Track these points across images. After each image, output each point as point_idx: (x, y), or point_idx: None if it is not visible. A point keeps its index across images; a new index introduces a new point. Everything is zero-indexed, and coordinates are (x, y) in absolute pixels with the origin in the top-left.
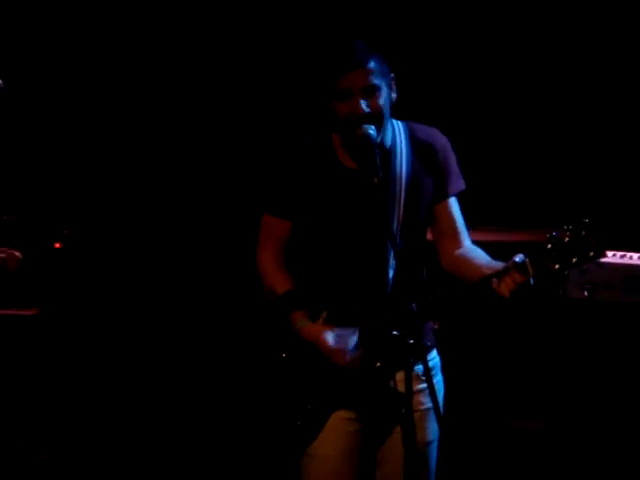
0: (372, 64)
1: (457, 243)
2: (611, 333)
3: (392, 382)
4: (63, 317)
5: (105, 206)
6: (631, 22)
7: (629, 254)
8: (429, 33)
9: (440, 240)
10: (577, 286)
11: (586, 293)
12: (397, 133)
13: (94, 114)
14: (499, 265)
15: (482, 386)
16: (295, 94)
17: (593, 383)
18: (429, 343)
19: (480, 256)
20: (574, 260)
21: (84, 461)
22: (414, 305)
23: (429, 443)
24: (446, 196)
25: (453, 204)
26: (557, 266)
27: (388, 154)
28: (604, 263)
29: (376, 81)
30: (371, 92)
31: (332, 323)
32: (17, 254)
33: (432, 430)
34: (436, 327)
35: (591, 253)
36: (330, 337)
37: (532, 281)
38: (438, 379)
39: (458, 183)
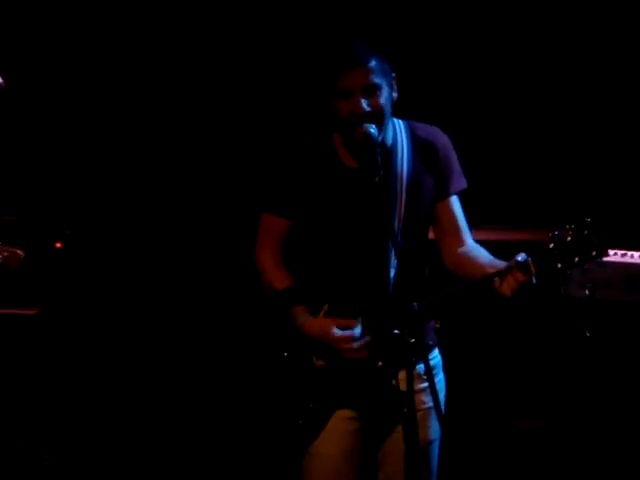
0: (373, 63)
1: (459, 241)
2: (612, 332)
3: (394, 381)
4: (64, 317)
5: (106, 206)
6: (631, 22)
7: (630, 253)
8: (430, 32)
9: (442, 239)
10: (578, 285)
11: (587, 292)
12: (398, 132)
13: (95, 114)
14: (501, 264)
15: (483, 385)
16: (296, 93)
17: (594, 382)
18: (431, 342)
19: (482, 255)
20: (576, 259)
21: (85, 461)
22: (415, 304)
23: (431, 442)
24: (447, 195)
25: (454, 202)
26: (560, 265)
27: (389, 153)
28: (605, 262)
29: (377, 80)
30: (372, 91)
31: (333, 315)
32: (19, 252)
33: (434, 429)
34: (438, 326)
35: (593, 252)
36: (334, 327)
37: (534, 280)
38: (440, 378)
39: (459, 182)
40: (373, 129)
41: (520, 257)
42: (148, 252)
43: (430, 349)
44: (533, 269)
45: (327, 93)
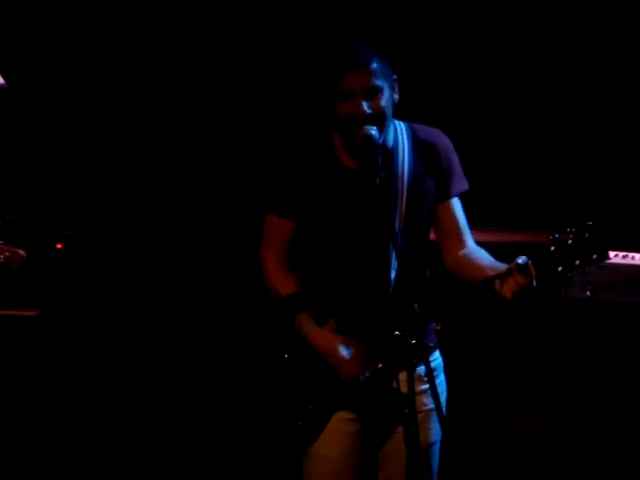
0: (374, 65)
1: (460, 243)
2: (613, 333)
3: (395, 383)
4: (65, 318)
5: (107, 207)
6: (631, 22)
7: (631, 254)
8: (431, 34)
9: (443, 240)
10: (579, 286)
11: (588, 293)
12: (399, 134)
13: (96, 115)
14: (502, 266)
15: (484, 386)
16: (297, 94)
17: (594, 383)
18: (432, 344)
19: (483, 257)
20: (577, 262)
21: (85, 461)
22: (416, 306)
23: (432, 444)
24: (449, 196)
25: (456, 204)
26: (560, 268)
27: (390, 155)
28: (606, 264)
29: (378, 82)
30: (373, 93)
31: (342, 332)
32: (21, 252)
33: (434, 431)
34: (439, 328)
35: (594, 256)
36: (344, 349)
37: (535, 283)
38: (441, 380)
39: (461, 183)
40: (374, 131)
41: (521, 260)
42: (149, 253)
43: (431, 351)
44: (534, 272)
45: (328, 94)
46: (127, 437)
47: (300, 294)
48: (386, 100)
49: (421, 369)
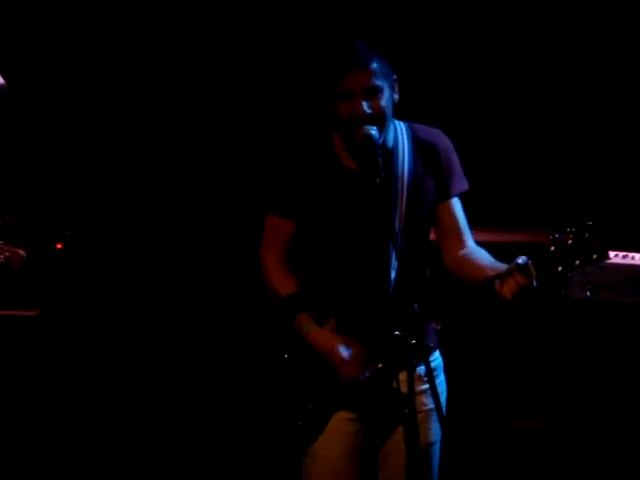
0: (374, 65)
1: (460, 243)
2: (613, 333)
3: (395, 382)
4: (65, 318)
5: (107, 207)
6: (631, 22)
7: (631, 254)
8: (431, 34)
9: (443, 240)
10: (579, 286)
11: (588, 293)
12: (399, 134)
13: (96, 115)
14: (502, 267)
15: (484, 386)
16: (297, 94)
17: (594, 383)
18: (432, 344)
19: (484, 257)
20: (577, 262)
21: (85, 461)
22: (416, 306)
23: (432, 444)
24: (449, 196)
25: (456, 204)
26: (560, 268)
27: (390, 155)
28: (606, 264)
29: (378, 82)
30: (373, 93)
31: (342, 332)
32: (21, 252)
33: (434, 431)
34: (439, 328)
35: (594, 256)
36: (344, 349)
37: (535, 283)
38: (441, 380)
39: (461, 183)
40: (374, 131)
41: (521, 260)
42: (150, 253)
43: (431, 351)
44: (534, 272)
45: (328, 94)
46: (127, 437)
47: (300, 294)
48: (386, 100)
49: (421, 369)
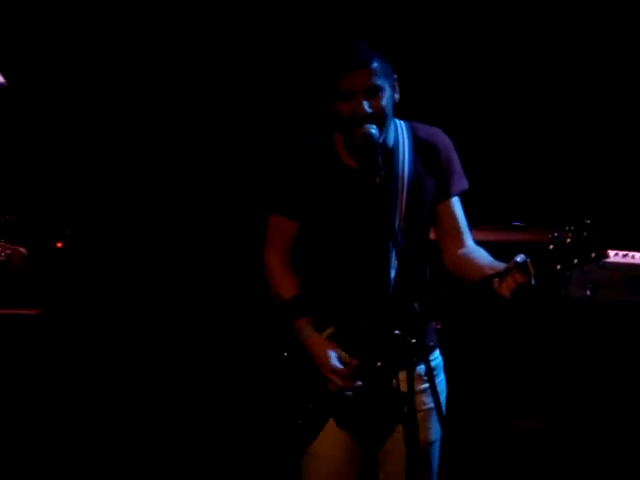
0: (375, 64)
1: (460, 243)
2: (613, 333)
3: (394, 382)
4: (65, 317)
5: (107, 206)
6: (631, 22)
7: (631, 253)
8: (431, 34)
9: (443, 240)
10: (579, 286)
11: (588, 293)
12: (399, 133)
13: (97, 114)
14: (501, 265)
15: (483, 386)
16: (298, 94)
17: (594, 383)
18: (432, 343)
19: (482, 256)
20: (576, 261)
21: (85, 461)
22: (416, 305)
23: (431, 443)
24: (448, 195)
25: (456, 204)
26: (559, 267)
27: (390, 154)
28: (606, 263)
29: (379, 82)
30: (374, 93)
31: (336, 339)
32: (22, 250)
33: (434, 430)
34: (439, 327)
35: (593, 254)
36: (333, 357)
37: (533, 281)
38: (441, 379)
39: (461, 183)
40: (374, 130)
41: (519, 258)
42: (150, 252)
43: (431, 350)
44: (532, 270)
45: (329, 94)
46: (127, 436)
47: (301, 297)
48: (387, 99)
49: (421, 368)
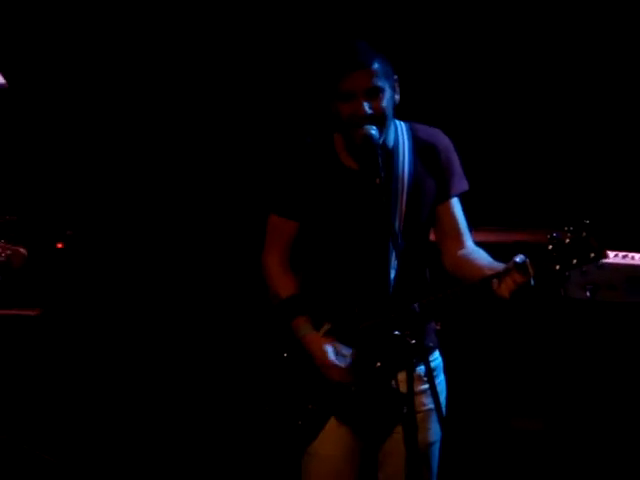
0: (375, 65)
1: (460, 244)
2: (613, 333)
3: (394, 382)
4: (65, 317)
5: (107, 206)
6: (631, 22)
7: (631, 254)
8: (431, 34)
9: (443, 241)
10: (579, 286)
11: (588, 294)
12: (400, 134)
13: (97, 114)
14: (500, 266)
15: (483, 386)
16: (298, 95)
17: (593, 383)
18: (431, 344)
19: (482, 257)
20: (575, 261)
21: (85, 461)
22: (416, 305)
23: (431, 444)
24: (448, 197)
25: (455, 205)
26: (558, 267)
27: (390, 155)
28: (606, 264)
29: (379, 83)
30: (374, 94)
31: (333, 335)
32: (22, 251)
33: (434, 431)
34: (438, 328)
35: (592, 254)
36: (330, 351)
37: (532, 282)
38: (440, 380)
39: (461, 184)
40: (374, 131)
41: (518, 259)
42: (150, 253)
43: (431, 351)
44: (531, 271)
45: (329, 95)
46: (127, 437)
47: (299, 296)
48: (387, 100)
49: (421, 369)
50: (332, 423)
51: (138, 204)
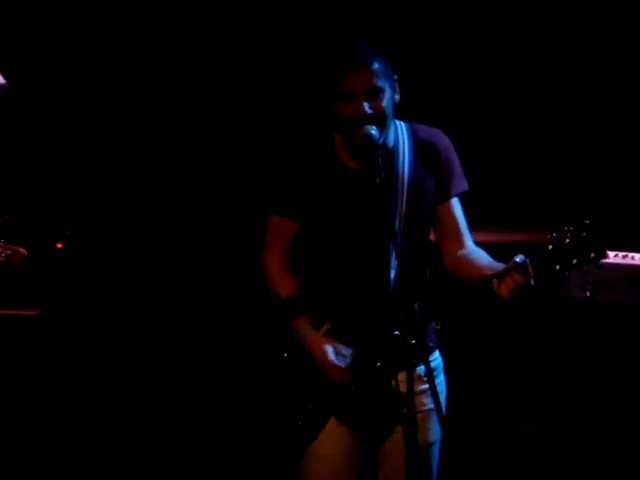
0: (376, 65)
1: (459, 244)
2: (613, 333)
3: (394, 382)
4: (65, 317)
5: (107, 206)
6: (631, 22)
7: (631, 254)
8: (431, 34)
9: (443, 241)
10: (579, 287)
11: (588, 294)
12: (400, 134)
13: (97, 114)
14: (500, 266)
15: (483, 386)
16: (298, 95)
17: (593, 383)
18: (431, 344)
19: (482, 257)
20: (575, 261)
21: (85, 461)
22: (416, 305)
23: (431, 444)
24: (448, 197)
25: (455, 205)
26: (558, 267)
27: (390, 155)
28: (606, 264)
29: (379, 83)
30: (374, 94)
31: (333, 335)
32: (22, 251)
33: (434, 431)
34: (438, 328)
35: (592, 254)
36: (330, 351)
37: (532, 282)
38: (440, 380)
39: (461, 184)
40: (374, 131)
41: (518, 259)
42: (150, 253)
43: (431, 351)
44: (531, 271)
45: (329, 95)
46: (127, 437)
47: (299, 296)
48: (387, 100)
49: (421, 369)
50: (332, 423)
51: (138, 204)
